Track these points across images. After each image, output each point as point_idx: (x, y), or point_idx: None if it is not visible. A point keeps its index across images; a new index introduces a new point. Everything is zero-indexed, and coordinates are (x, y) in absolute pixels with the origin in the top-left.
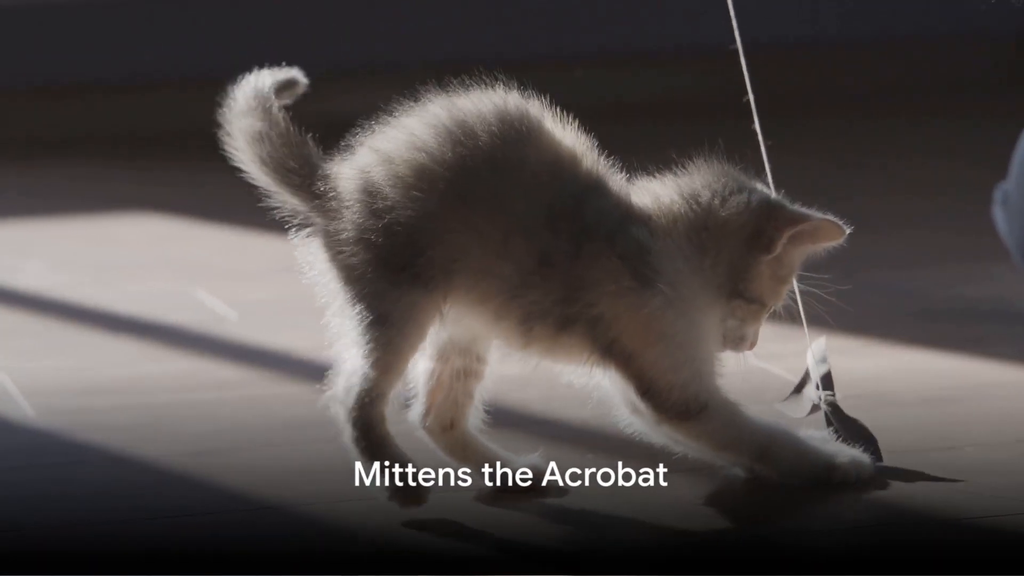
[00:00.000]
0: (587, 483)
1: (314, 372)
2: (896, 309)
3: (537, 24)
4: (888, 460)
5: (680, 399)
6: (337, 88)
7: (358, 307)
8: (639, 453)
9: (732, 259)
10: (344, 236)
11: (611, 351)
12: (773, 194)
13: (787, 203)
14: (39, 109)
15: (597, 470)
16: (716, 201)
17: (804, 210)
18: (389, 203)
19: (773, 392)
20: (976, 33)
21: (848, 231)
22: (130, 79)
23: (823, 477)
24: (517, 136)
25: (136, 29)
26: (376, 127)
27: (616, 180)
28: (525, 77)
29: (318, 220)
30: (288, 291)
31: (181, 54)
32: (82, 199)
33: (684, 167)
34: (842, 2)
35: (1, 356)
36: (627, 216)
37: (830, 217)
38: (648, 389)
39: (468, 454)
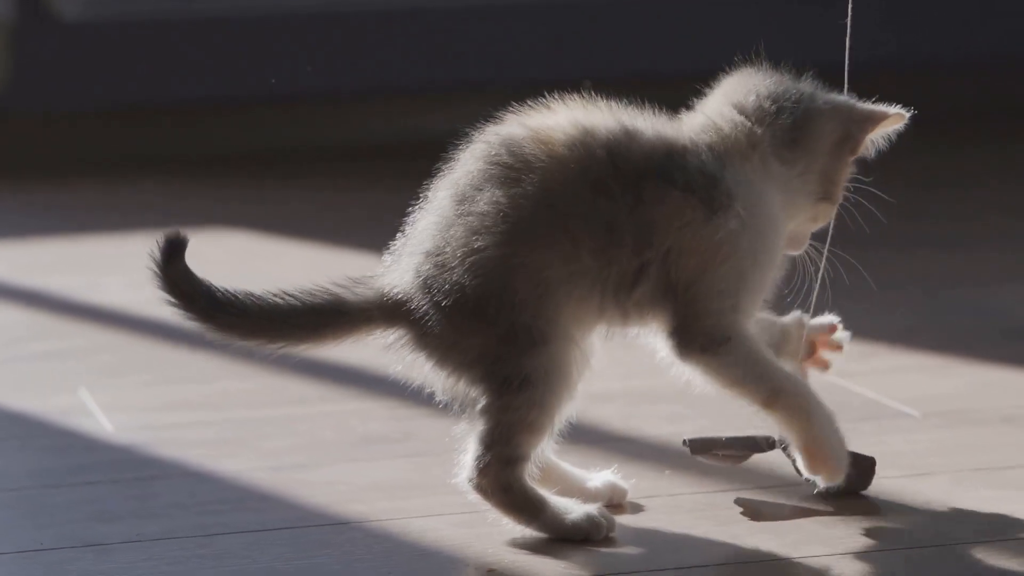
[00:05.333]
0: (664, 501)
1: (392, 387)
2: (979, 328)
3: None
4: (969, 478)
5: (707, 328)
6: (413, 108)
7: (492, 381)
8: (718, 472)
9: (823, 166)
10: (441, 335)
11: (673, 288)
12: (833, 93)
13: (853, 101)
14: (122, 127)
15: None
16: (796, 115)
17: (871, 106)
18: (459, 286)
19: (853, 411)
20: None
21: (908, 115)
22: (215, 97)
23: (826, 441)
24: (512, 153)
25: (221, 49)
26: (404, 230)
27: (648, 118)
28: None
29: (403, 332)
30: None
31: (264, 74)
32: (164, 216)
33: (730, 78)
34: (927, 23)
35: (81, 372)
36: (676, 148)
37: (895, 108)
38: (684, 319)
39: (546, 475)
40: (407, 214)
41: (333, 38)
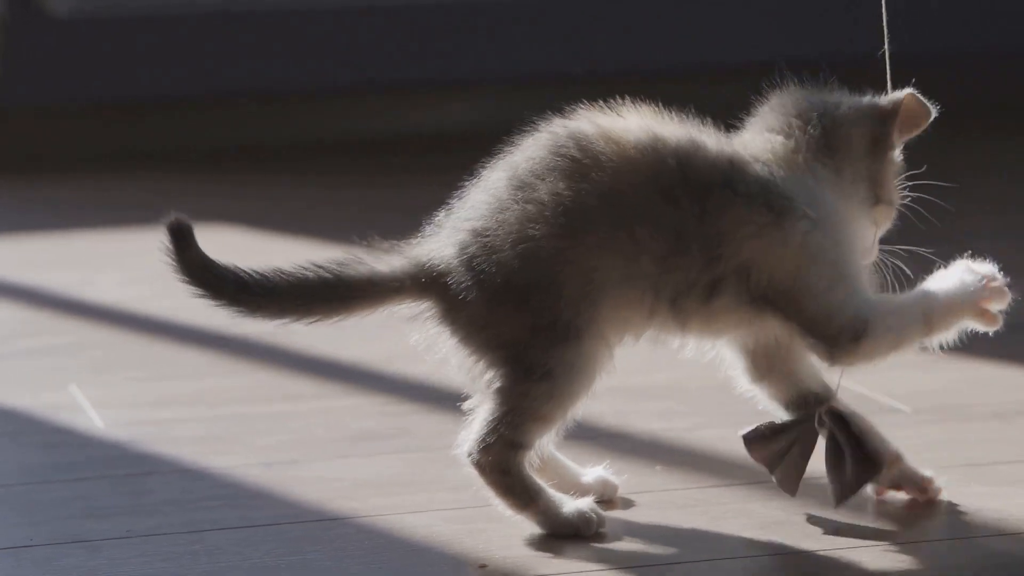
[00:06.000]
0: (656, 496)
1: (384, 384)
2: None
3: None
4: (959, 473)
5: (843, 322)
6: (410, 103)
7: (514, 367)
8: (710, 467)
9: (866, 169)
10: (474, 314)
11: (767, 297)
12: (858, 95)
13: (875, 99)
14: (113, 122)
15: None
16: (824, 124)
17: (888, 97)
18: (505, 271)
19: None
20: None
21: (933, 109)
22: (206, 92)
23: (974, 297)
24: (581, 148)
25: (214, 44)
26: (450, 206)
27: (710, 132)
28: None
29: (432, 304)
30: None
31: (255, 69)
32: (156, 212)
33: (760, 107)
34: (915, 17)
35: (72, 368)
36: (737, 160)
37: (908, 90)
38: (812, 325)
39: (543, 467)
40: (398, 208)
41: (324, 33)
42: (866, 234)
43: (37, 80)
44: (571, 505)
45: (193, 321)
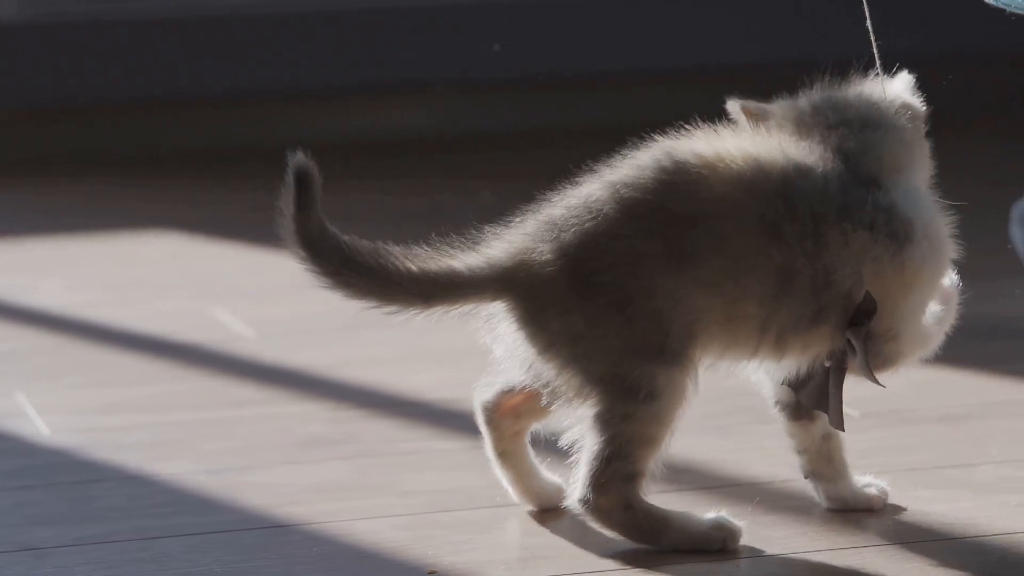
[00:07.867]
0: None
1: (330, 390)
2: None
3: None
4: (905, 477)
5: (894, 348)
6: (372, 106)
7: (614, 386)
8: (659, 472)
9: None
10: (570, 322)
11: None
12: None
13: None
14: (57, 128)
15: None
16: (886, 121)
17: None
18: (612, 292)
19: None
20: (983, 52)
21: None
22: (149, 98)
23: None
24: (686, 181)
25: (156, 48)
26: (526, 215)
27: (812, 149)
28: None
29: (511, 306)
30: (304, 310)
31: (204, 73)
32: (100, 217)
33: (797, 104)
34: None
35: (17, 375)
36: (849, 183)
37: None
38: (867, 337)
39: (511, 462)
40: (342, 216)
41: (269, 38)
42: None
43: None
44: (705, 520)
45: (139, 327)
